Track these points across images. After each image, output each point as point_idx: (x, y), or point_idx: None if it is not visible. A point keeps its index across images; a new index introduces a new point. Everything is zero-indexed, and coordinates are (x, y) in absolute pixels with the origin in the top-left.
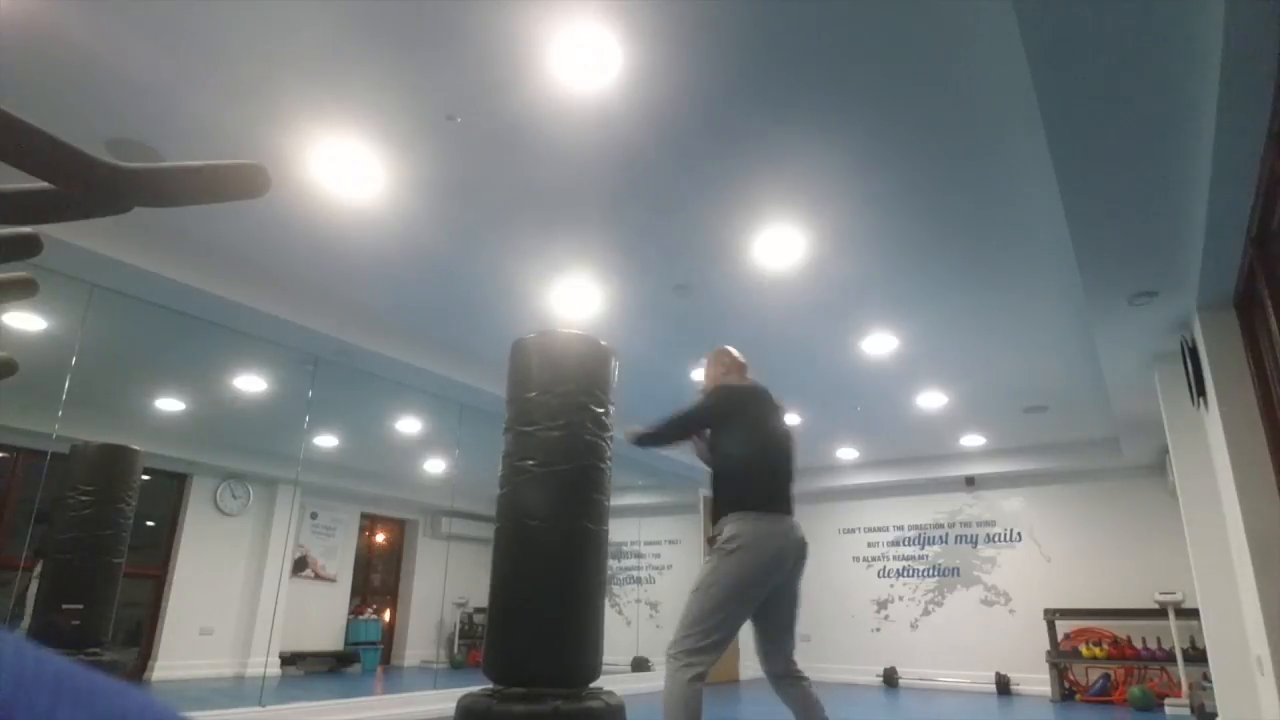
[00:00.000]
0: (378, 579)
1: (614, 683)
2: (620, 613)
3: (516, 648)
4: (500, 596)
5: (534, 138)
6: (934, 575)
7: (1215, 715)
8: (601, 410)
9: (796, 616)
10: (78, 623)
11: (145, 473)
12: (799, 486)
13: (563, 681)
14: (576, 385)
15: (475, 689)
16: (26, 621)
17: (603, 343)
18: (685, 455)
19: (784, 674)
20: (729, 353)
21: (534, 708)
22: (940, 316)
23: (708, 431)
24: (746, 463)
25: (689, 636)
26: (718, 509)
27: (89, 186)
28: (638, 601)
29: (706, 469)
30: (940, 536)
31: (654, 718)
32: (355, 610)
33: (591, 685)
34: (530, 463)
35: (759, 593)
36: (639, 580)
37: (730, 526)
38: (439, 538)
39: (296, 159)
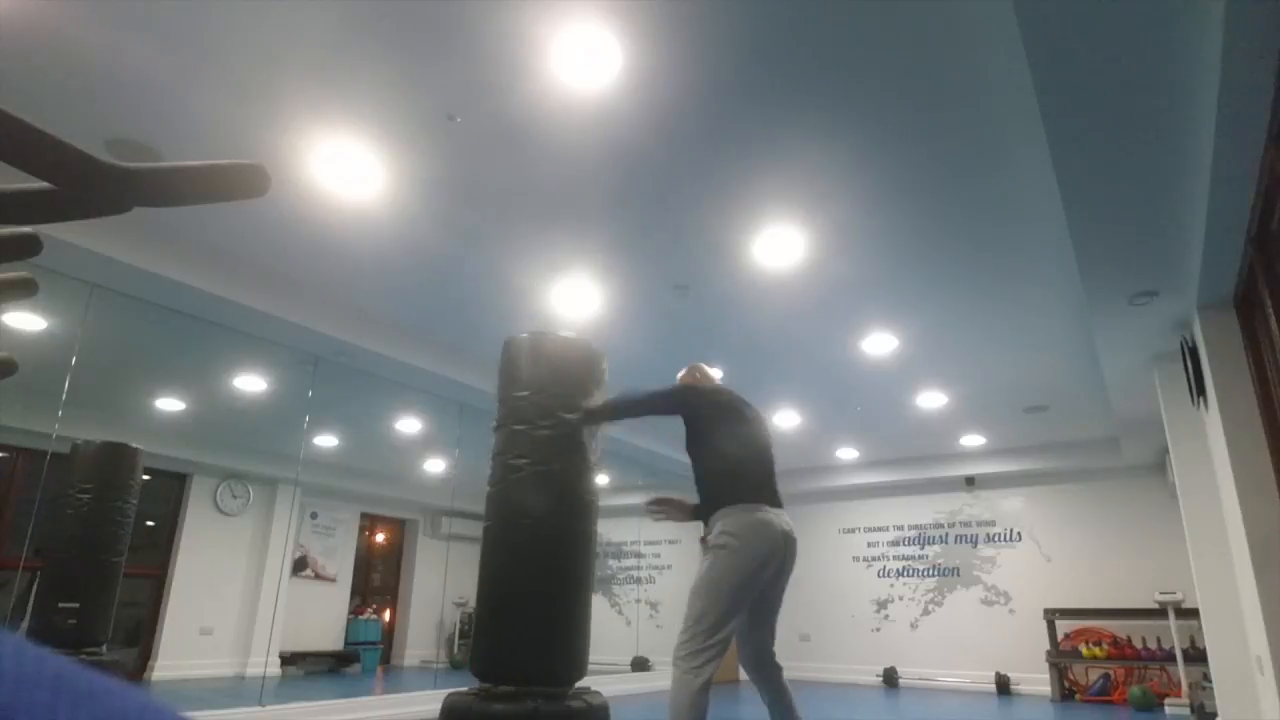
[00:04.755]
0: (378, 579)
1: (614, 682)
2: (620, 613)
3: (503, 647)
4: (489, 595)
5: (534, 138)
6: (934, 575)
7: (1215, 715)
8: None
9: (778, 610)
10: (74, 622)
11: (145, 472)
12: (798, 486)
13: (549, 681)
14: (568, 386)
15: (463, 689)
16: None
17: (592, 344)
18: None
19: (763, 662)
20: (700, 368)
21: (513, 707)
22: (940, 316)
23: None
24: (730, 457)
25: (694, 638)
26: (706, 508)
27: (89, 186)
28: (638, 601)
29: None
30: (940, 536)
31: (652, 717)
32: (355, 610)
33: (578, 685)
34: (523, 461)
35: (755, 587)
36: (639, 580)
37: (721, 523)
38: (439, 537)
39: (296, 159)
